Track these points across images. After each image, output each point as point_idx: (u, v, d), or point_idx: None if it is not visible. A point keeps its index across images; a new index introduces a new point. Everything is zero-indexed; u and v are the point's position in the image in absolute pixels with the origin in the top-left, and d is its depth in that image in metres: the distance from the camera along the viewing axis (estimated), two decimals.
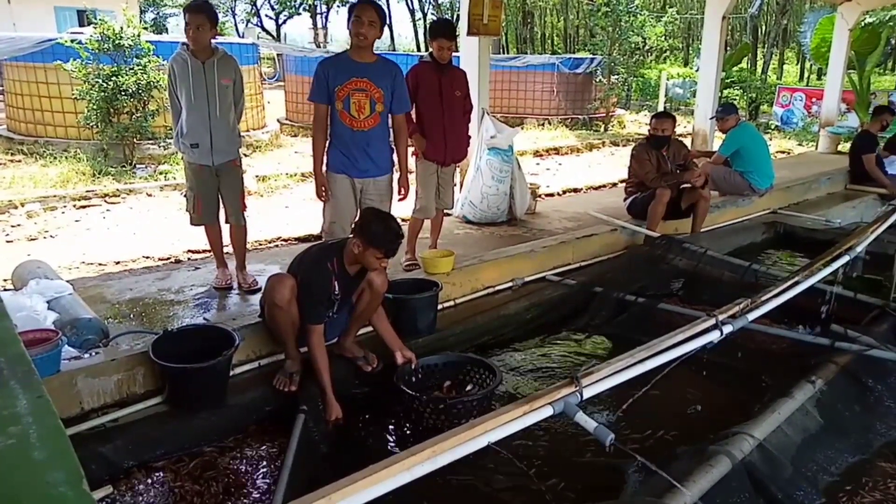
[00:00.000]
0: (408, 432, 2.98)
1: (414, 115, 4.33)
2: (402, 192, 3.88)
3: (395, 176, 3.84)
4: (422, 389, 3.02)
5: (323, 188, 3.65)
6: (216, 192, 3.86)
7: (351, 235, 2.99)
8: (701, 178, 5.13)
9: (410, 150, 4.54)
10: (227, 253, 4.09)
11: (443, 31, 4.27)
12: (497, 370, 3.05)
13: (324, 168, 3.67)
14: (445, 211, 4.72)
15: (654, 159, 5.24)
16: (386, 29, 3.85)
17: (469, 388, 3.07)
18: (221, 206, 3.92)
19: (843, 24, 9.83)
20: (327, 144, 3.65)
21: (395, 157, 3.81)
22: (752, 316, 3.14)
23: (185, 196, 4.07)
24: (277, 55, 14.79)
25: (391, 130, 3.74)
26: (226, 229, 4.00)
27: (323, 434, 2.74)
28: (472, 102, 4.67)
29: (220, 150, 3.75)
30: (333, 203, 3.67)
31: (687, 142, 6.91)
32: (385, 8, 3.42)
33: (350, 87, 3.49)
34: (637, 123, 15.74)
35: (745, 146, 6.14)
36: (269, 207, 6.93)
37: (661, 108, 13.85)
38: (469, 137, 4.79)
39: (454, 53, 4.48)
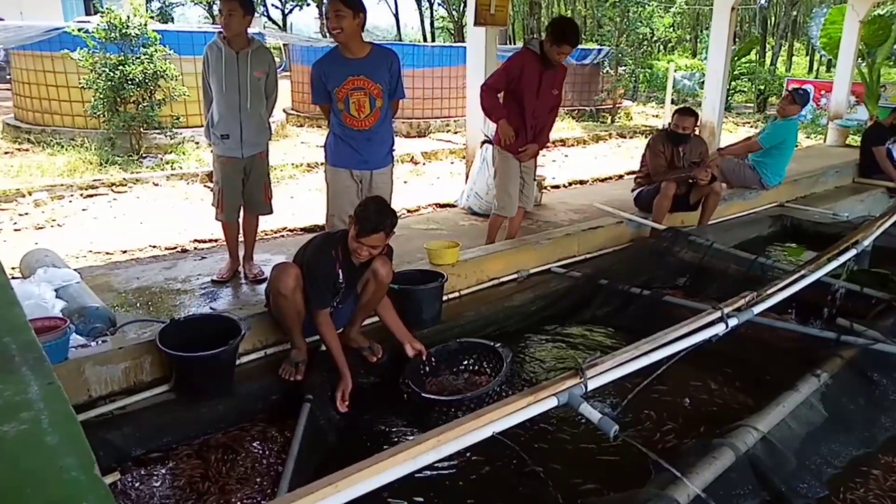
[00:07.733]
0: (413, 421, 2.99)
1: (501, 98, 4.24)
2: None
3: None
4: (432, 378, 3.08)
5: None
6: (241, 185, 3.84)
7: None
8: (708, 177, 5.07)
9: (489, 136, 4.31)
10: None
11: (568, 38, 4.14)
12: (504, 358, 3.02)
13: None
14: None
15: (668, 154, 5.19)
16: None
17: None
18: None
19: (854, 15, 9.72)
20: (328, 136, 3.66)
21: (394, 150, 3.77)
22: (757, 309, 3.14)
23: (211, 190, 4.05)
24: (284, 45, 14.69)
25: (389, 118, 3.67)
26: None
27: (329, 422, 2.76)
28: (561, 97, 4.55)
29: (249, 143, 3.75)
30: (332, 196, 3.68)
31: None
32: None
33: (348, 87, 3.43)
34: (644, 115, 15.65)
35: (786, 142, 6.05)
36: (274, 198, 6.90)
37: (668, 100, 13.71)
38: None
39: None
